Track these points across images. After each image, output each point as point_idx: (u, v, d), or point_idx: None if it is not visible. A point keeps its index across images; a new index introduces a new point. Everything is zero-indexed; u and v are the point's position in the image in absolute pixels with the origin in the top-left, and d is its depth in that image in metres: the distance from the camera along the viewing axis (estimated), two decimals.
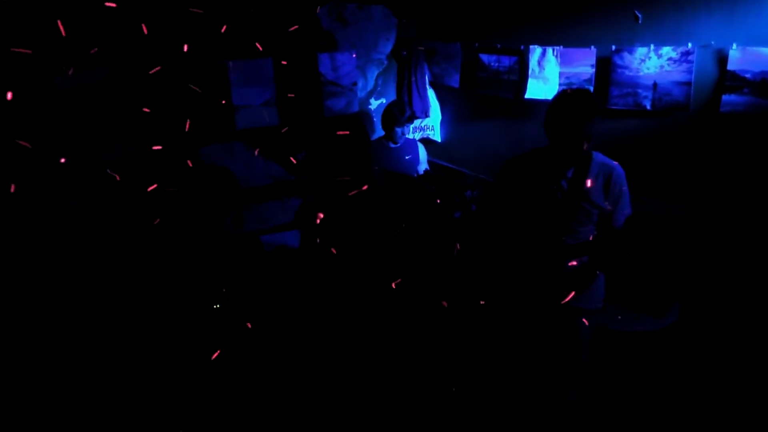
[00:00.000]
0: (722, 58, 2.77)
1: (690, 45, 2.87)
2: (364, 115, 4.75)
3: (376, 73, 4.76)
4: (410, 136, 4.60)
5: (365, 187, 2.35)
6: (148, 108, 3.74)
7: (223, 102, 3.97)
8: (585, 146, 2.21)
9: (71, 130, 3.55)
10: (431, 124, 4.80)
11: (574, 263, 2.39)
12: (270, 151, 4.31)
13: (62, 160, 3.50)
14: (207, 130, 4.01)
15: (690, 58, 2.88)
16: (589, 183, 2.28)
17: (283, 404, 2.88)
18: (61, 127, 3.51)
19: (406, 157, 4.14)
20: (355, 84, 4.51)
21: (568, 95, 2.25)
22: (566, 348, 2.52)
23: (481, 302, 2.85)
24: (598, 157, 2.36)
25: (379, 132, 4.72)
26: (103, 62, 3.55)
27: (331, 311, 2.79)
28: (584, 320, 2.46)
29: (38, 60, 3.30)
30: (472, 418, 2.93)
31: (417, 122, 4.74)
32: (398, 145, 4.11)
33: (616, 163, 2.36)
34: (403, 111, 4.02)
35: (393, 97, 4.84)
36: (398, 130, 4.04)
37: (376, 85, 4.80)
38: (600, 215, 2.35)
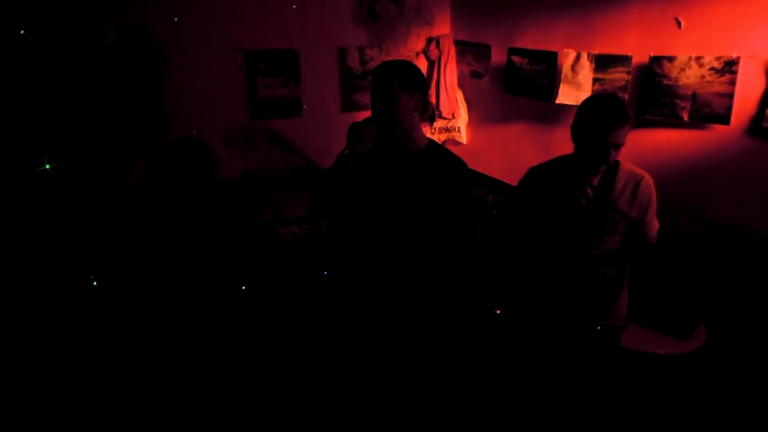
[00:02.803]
0: None
1: (735, 55, 2.72)
2: None
3: None
4: (435, 137, 4.50)
5: None
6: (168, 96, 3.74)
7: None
8: (612, 156, 2.10)
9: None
10: (458, 125, 4.69)
11: (600, 277, 2.27)
12: (291, 142, 4.26)
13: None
14: (230, 117, 3.99)
15: (734, 68, 2.73)
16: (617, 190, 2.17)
17: (287, 402, 2.82)
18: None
19: None
20: None
21: (598, 100, 2.14)
22: (584, 365, 2.40)
23: (497, 311, 2.74)
24: (626, 165, 2.24)
25: None
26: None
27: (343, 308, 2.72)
28: (605, 336, 2.33)
29: None
30: (476, 425, 2.83)
31: (443, 123, 4.64)
32: None
33: (644, 172, 2.23)
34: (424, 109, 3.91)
35: None
36: None
37: None
38: (627, 226, 2.22)
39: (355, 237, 2.40)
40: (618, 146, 2.08)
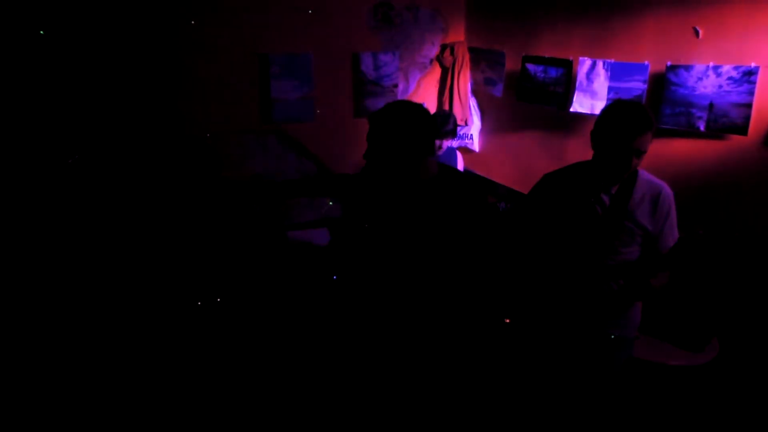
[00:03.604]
0: None
1: (753, 64, 2.68)
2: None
3: (418, 76, 4.67)
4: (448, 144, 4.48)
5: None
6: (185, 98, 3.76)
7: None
8: (634, 163, 2.06)
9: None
10: (470, 132, 4.68)
11: (614, 287, 2.23)
12: (304, 146, 4.27)
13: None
14: (243, 120, 4.01)
15: (752, 78, 2.69)
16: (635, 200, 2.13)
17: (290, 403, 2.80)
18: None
19: None
20: (395, 85, 4.43)
21: (621, 106, 2.09)
22: (595, 376, 2.36)
23: (507, 320, 2.71)
24: (645, 175, 2.19)
25: None
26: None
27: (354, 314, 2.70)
28: (617, 348, 2.29)
29: None
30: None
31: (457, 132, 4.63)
32: (436, 155, 3.98)
33: (664, 182, 2.19)
34: (446, 123, 3.87)
35: (434, 101, 4.74)
36: (437, 142, 3.90)
37: (417, 89, 4.70)
38: (644, 237, 2.19)
39: (370, 263, 2.35)
40: (641, 153, 2.04)
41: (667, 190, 2.18)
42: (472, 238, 2.21)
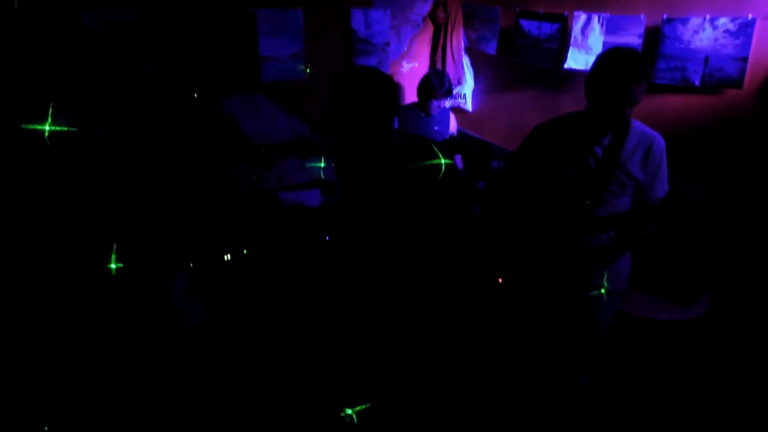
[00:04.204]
0: None
1: (750, 16, 2.63)
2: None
3: (410, 34, 4.57)
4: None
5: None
6: (172, 55, 3.66)
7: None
8: (628, 113, 2.03)
9: (94, 71, 3.48)
10: (463, 92, 4.61)
11: (604, 238, 2.23)
12: (295, 106, 4.20)
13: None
14: (230, 80, 3.92)
15: (749, 30, 2.65)
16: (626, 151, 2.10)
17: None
18: (85, 67, 3.45)
19: (435, 128, 3.97)
20: (387, 44, 4.35)
21: (617, 54, 2.05)
22: (585, 327, 2.38)
23: (499, 279, 2.72)
24: (638, 126, 2.17)
25: (410, 97, 4.57)
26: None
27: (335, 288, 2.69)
28: (605, 299, 2.30)
29: None
30: (480, 396, 2.83)
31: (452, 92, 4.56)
32: (430, 115, 3.93)
33: (657, 133, 2.17)
34: (443, 84, 3.78)
35: (426, 61, 4.66)
36: (434, 102, 3.83)
37: (409, 48, 4.62)
38: (636, 188, 2.18)
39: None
40: (635, 103, 2.01)
41: (660, 141, 2.16)
42: (439, 213, 2.16)
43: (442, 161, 2.14)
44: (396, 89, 2.06)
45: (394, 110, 2.08)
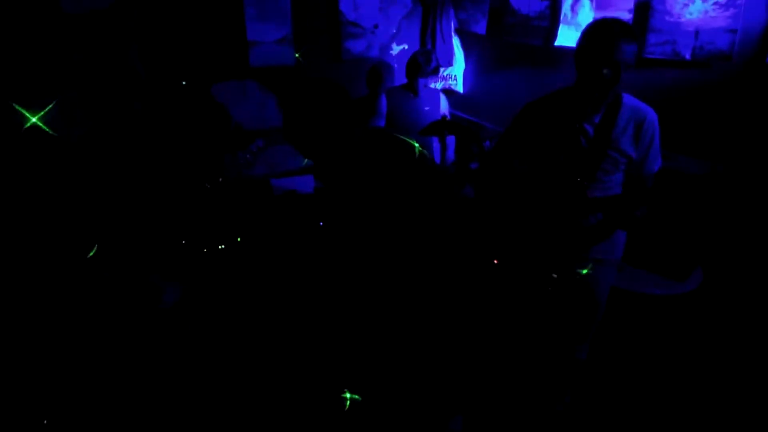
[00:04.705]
0: None
1: None
2: (384, 62, 4.54)
3: (399, 16, 4.53)
4: (432, 86, 4.40)
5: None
6: (158, 40, 3.62)
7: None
8: (618, 79, 2.00)
9: (78, 59, 3.43)
10: (454, 73, 4.59)
11: (599, 216, 2.22)
12: (284, 91, 4.17)
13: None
14: (219, 66, 3.88)
15: (738, 2, 2.63)
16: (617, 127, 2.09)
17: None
18: (67, 55, 3.40)
19: (425, 108, 3.94)
20: (376, 26, 4.31)
21: (605, 20, 2.03)
22: (583, 300, 2.38)
23: (495, 261, 2.72)
24: (630, 100, 2.15)
25: (400, 80, 4.54)
26: None
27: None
28: (602, 269, 2.30)
29: None
30: (476, 374, 2.85)
31: (440, 71, 4.53)
32: (419, 96, 3.91)
33: (649, 107, 2.15)
34: (429, 61, 3.77)
35: (416, 42, 4.62)
36: (421, 81, 3.82)
37: (399, 30, 4.58)
38: (628, 164, 2.17)
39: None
40: (626, 66, 1.97)
41: (652, 114, 2.14)
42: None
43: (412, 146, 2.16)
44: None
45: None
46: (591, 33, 2.02)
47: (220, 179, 3.13)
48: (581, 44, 2.06)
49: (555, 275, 2.36)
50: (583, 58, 2.04)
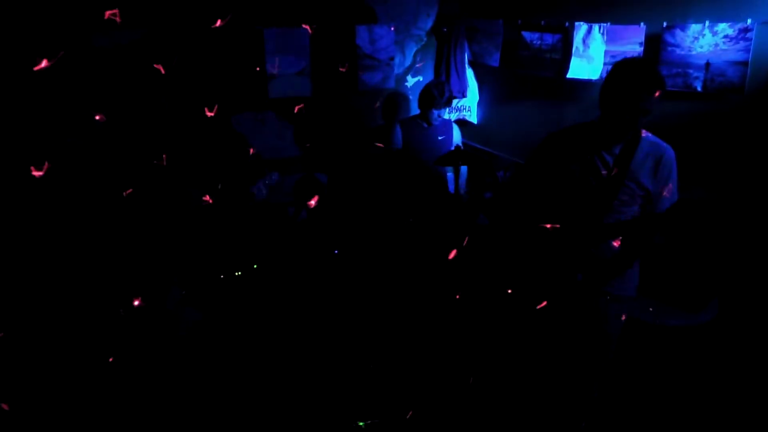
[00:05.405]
0: None
1: (749, 21, 2.66)
2: (399, 93, 4.64)
3: (414, 49, 4.64)
4: (446, 117, 4.48)
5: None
6: (180, 73, 3.75)
7: (257, 69, 3.93)
8: (641, 122, 2.06)
9: (108, 91, 3.57)
10: (468, 104, 4.66)
11: (615, 244, 2.24)
12: (302, 122, 4.26)
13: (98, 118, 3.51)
14: (239, 97, 3.99)
15: (748, 35, 2.67)
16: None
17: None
18: (99, 88, 3.54)
19: (439, 138, 4.01)
20: (392, 59, 4.41)
21: (633, 64, 2.10)
22: (594, 336, 2.38)
23: (509, 291, 2.73)
24: (649, 137, 2.20)
25: (414, 110, 4.62)
26: (140, 21, 3.55)
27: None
28: (615, 308, 2.31)
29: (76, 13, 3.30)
30: (489, 411, 2.83)
31: (454, 102, 4.61)
32: (432, 126, 3.98)
33: (667, 144, 2.20)
34: (442, 93, 3.86)
35: (431, 74, 4.72)
36: (435, 111, 3.89)
37: (414, 62, 4.68)
38: (645, 198, 2.20)
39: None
40: (648, 113, 2.05)
41: (670, 151, 2.19)
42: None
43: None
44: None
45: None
46: (619, 77, 2.08)
47: (236, 206, 3.20)
48: (608, 87, 2.12)
49: (565, 308, 2.36)
50: (608, 101, 2.11)
